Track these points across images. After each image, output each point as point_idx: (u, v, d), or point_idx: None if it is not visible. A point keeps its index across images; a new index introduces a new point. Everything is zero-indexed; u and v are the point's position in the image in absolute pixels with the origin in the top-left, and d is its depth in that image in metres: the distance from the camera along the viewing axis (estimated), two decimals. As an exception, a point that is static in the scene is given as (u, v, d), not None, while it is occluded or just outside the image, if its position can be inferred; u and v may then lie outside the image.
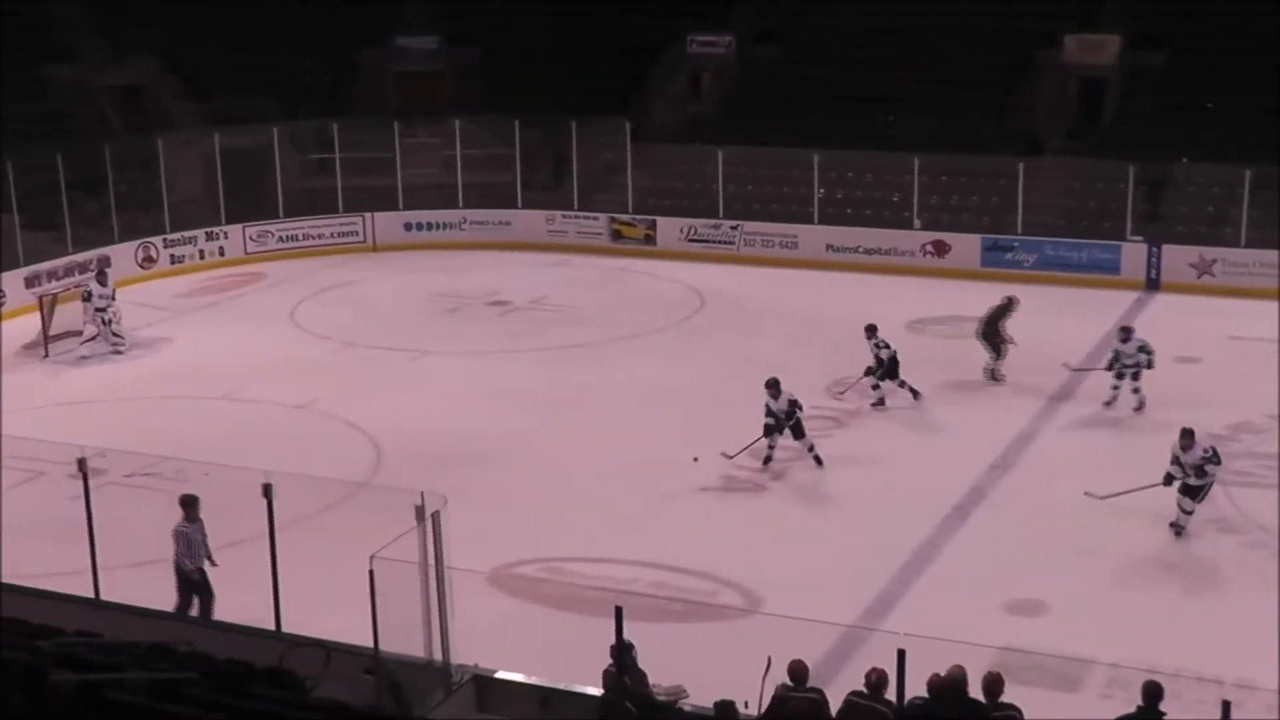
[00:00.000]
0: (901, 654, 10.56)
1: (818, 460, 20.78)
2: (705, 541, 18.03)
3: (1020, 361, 25.82)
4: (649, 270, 34.12)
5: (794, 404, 20.71)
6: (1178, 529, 18.13)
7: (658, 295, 31.73)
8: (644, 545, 17.97)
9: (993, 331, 24.95)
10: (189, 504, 15.28)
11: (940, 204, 35.60)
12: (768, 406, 20.68)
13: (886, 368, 23.43)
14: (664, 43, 42.43)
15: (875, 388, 23.46)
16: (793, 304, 30.52)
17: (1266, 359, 25.82)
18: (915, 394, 23.48)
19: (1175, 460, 18.09)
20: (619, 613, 11.13)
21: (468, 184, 37.77)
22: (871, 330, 23.58)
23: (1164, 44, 37.75)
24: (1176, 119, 35.96)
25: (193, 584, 15.27)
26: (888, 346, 23.48)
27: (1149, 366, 23.24)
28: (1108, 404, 23.52)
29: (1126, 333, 23.67)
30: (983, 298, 29.79)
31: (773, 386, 20.72)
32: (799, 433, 20.78)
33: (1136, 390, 23.30)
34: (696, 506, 19.46)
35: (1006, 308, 25.17)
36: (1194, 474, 17.95)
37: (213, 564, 15.38)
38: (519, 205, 37.79)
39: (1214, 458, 18.00)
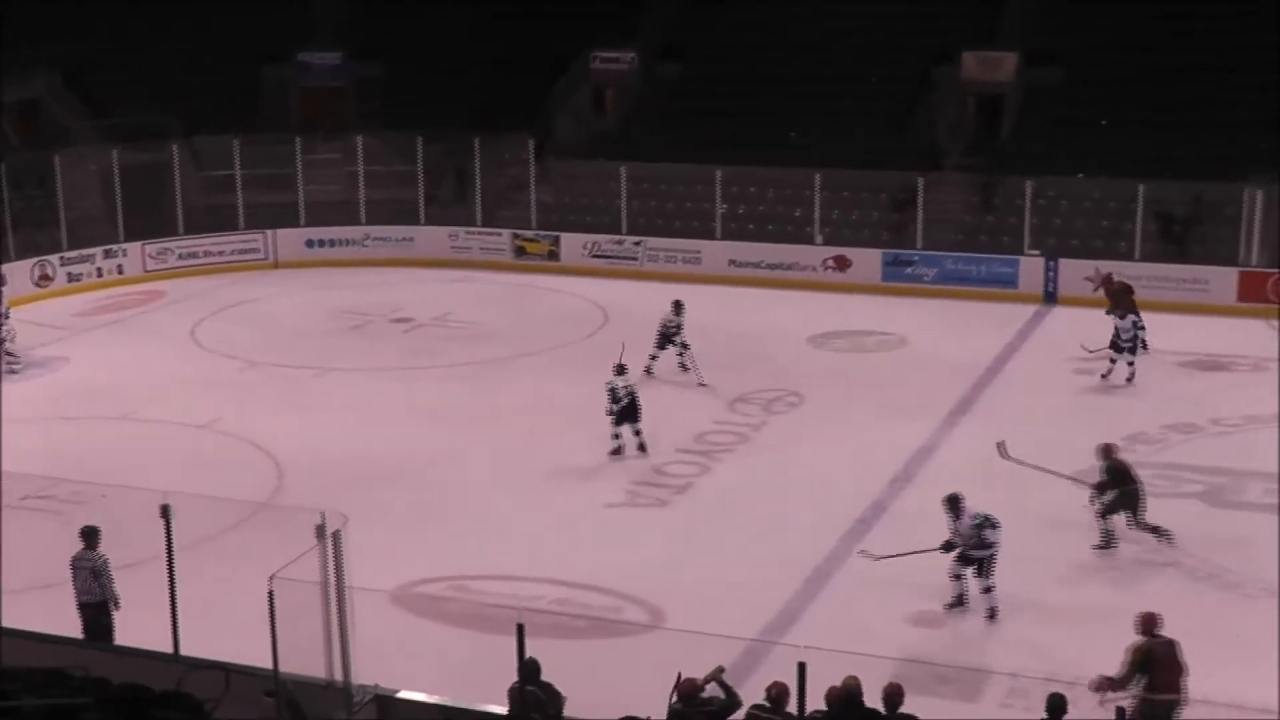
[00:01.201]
0: (802, 667, 10.65)
1: (642, 448, 21.91)
2: (609, 557, 18.05)
3: (922, 376, 26.15)
4: (553, 286, 34.13)
5: (632, 390, 21.98)
6: (953, 602, 16.84)
7: (562, 311, 31.74)
8: (548, 562, 17.97)
9: None
10: (90, 535, 14.93)
11: (841, 219, 35.90)
12: (614, 390, 21.89)
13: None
14: (568, 59, 42.48)
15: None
16: (696, 319, 30.59)
17: (1160, 370, 26.31)
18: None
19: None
20: (521, 630, 11.14)
21: (371, 200, 37.59)
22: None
23: (1060, 61, 38.35)
24: (1073, 135, 36.55)
25: (96, 618, 14.90)
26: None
27: (1144, 346, 25.76)
28: (1105, 376, 25.57)
29: (1123, 311, 25.72)
30: (884, 312, 30.27)
31: (620, 371, 22.09)
32: (634, 416, 21.93)
33: (1130, 364, 25.37)
34: (600, 523, 19.48)
35: None
36: (973, 543, 16.69)
37: (116, 605, 14.90)
38: (422, 222, 37.66)
39: (986, 523, 16.72)
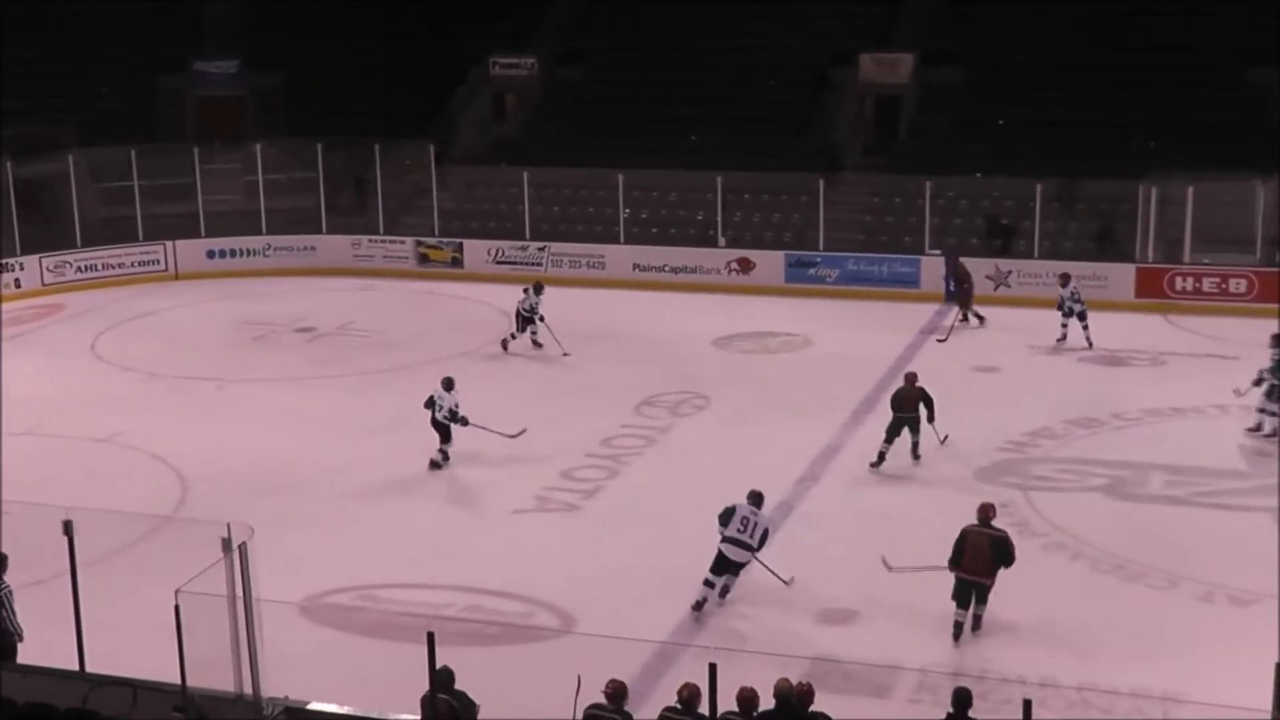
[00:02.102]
0: (713, 668, 10.67)
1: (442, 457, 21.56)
2: (519, 563, 17.99)
3: (826, 376, 26.34)
4: (457, 293, 34.03)
5: (454, 410, 21.50)
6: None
7: (467, 318, 31.65)
8: (458, 569, 17.87)
9: None
10: None
11: (744, 222, 36.10)
12: (432, 400, 21.61)
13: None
14: (467, 65, 42.43)
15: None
16: (602, 323, 30.66)
17: (1062, 367, 26.70)
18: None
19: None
20: (431, 638, 11.07)
21: (271, 210, 37.25)
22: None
23: (956, 61, 38.82)
24: (971, 134, 37.02)
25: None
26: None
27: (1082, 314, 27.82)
28: (1060, 340, 27.74)
29: (1065, 278, 28.24)
30: (788, 313, 30.45)
31: (447, 385, 21.78)
32: (446, 434, 21.55)
33: (1085, 327, 27.61)
34: (509, 528, 19.42)
35: None
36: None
37: (19, 638, 14.50)
38: (324, 230, 37.42)
39: None
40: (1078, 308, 27.98)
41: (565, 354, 27.61)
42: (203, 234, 36.92)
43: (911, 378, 21.77)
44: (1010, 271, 32.39)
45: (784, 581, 17.00)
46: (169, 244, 36.33)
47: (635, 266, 34.99)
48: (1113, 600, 16.88)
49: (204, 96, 42.31)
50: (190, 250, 36.53)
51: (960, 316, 29.80)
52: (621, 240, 35.90)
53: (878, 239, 35.02)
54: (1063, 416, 23.17)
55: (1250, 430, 22.82)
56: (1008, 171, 34.61)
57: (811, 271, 33.97)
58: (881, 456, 21.25)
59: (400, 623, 15.80)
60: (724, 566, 16.69)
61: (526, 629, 16.18)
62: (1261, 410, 22.86)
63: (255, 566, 11.85)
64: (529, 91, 42.73)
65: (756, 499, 17.09)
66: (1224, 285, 31.29)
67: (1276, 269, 31.38)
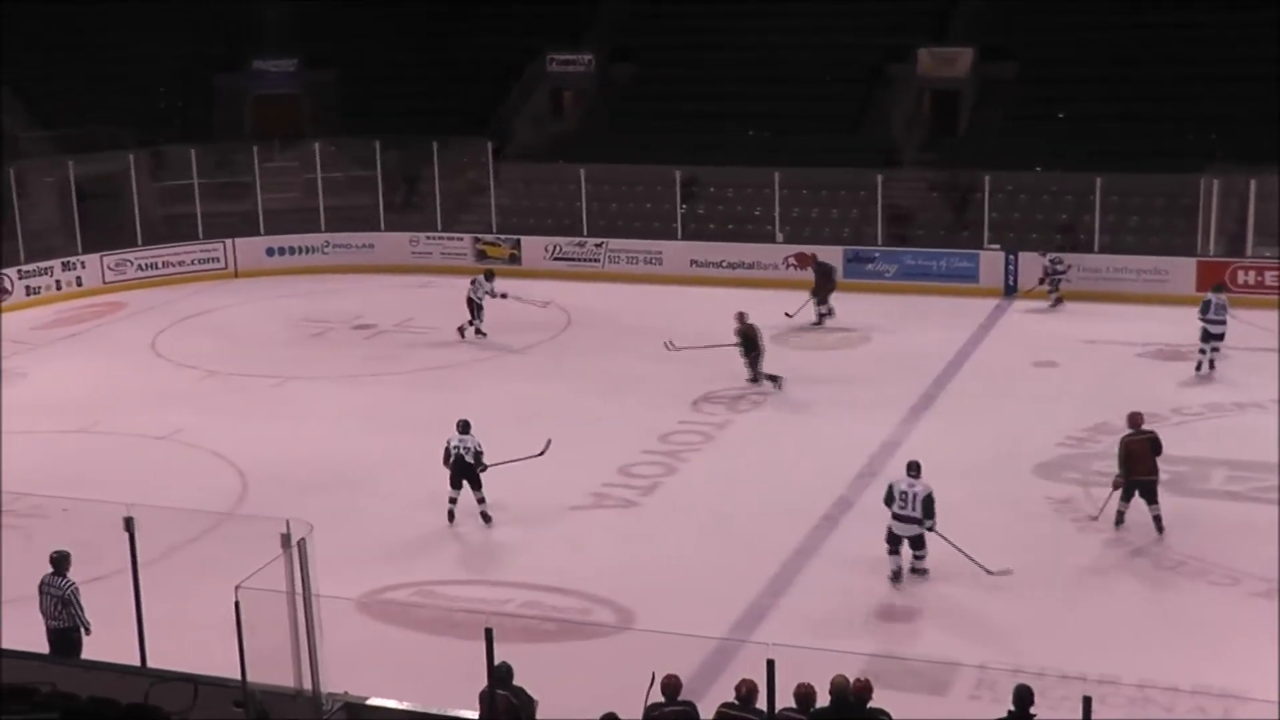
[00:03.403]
0: (771, 664, 10.65)
1: (485, 517, 19.33)
2: (576, 559, 18.03)
3: (885, 371, 26.26)
4: (514, 290, 34.03)
5: (479, 454, 19.19)
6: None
7: (524, 315, 31.66)
8: (515, 566, 17.95)
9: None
10: (59, 562, 14.63)
11: (802, 217, 36.00)
12: (449, 449, 19.23)
13: None
14: (523, 62, 42.50)
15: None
16: (659, 320, 30.63)
17: (1121, 361, 26.48)
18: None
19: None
20: (489, 634, 11.10)
21: (329, 207, 37.48)
22: None
23: (1014, 56, 38.59)
24: (1029, 129, 36.78)
25: (65, 643, 14.67)
26: None
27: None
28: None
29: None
30: (846, 308, 30.34)
31: (463, 429, 19.41)
32: (474, 479, 19.24)
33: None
34: (567, 524, 19.44)
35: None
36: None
37: (86, 631, 14.51)
38: (382, 228, 37.60)
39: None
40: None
41: (546, 303, 30.04)
42: (262, 232, 37.15)
43: (741, 316, 25.29)
44: (1070, 266, 32.12)
45: (989, 572, 16.92)
46: (229, 242, 36.60)
47: (692, 263, 34.96)
48: (1174, 597, 16.75)
49: (262, 95, 42.58)
50: (250, 248, 36.79)
51: (818, 304, 30.26)
52: (679, 236, 35.87)
53: (935, 234, 34.84)
54: (1124, 411, 22.95)
55: (1197, 370, 25.54)
56: (1065, 166, 34.36)
57: (870, 267, 33.84)
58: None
59: (458, 619, 15.88)
60: (895, 542, 16.98)
61: (585, 625, 16.20)
62: (1201, 352, 25.53)
63: (314, 562, 11.93)
64: (585, 88, 42.74)
65: (913, 468, 17.14)
66: (1286, 279, 30.96)
67: (1338, 262, 31.05)
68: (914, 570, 17.05)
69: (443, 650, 14.83)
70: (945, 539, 16.85)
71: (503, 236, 36.81)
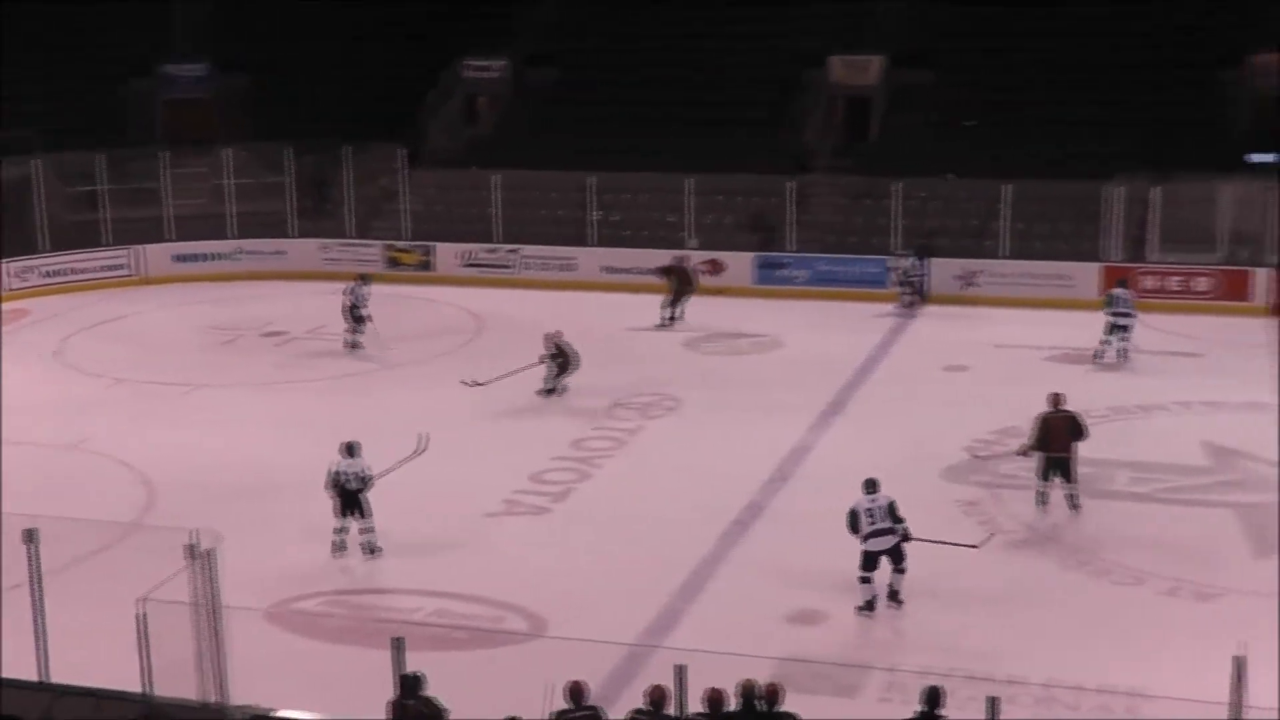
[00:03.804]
0: (681, 670, 10.70)
1: (371, 549, 18.36)
2: (488, 567, 17.99)
3: (796, 376, 26.42)
4: (427, 296, 34.00)
5: (365, 479, 18.34)
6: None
7: (437, 321, 31.63)
8: (426, 574, 17.87)
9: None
10: None
11: (714, 223, 36.13)
12: (335, 475, 18.34)
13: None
14: (437, 68, 42.35)
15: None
16: (572, 326, 30.64)
17: (1029, 365, 26.81)
18: None
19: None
20: (399, 643, 11.08)
21: (240, 213, 37.21)
22: None
23: (925, 64, 38.94)
24: (939, 136, 37.12)
25: None
26: None
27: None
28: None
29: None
30: (758, 314, 30.52)
31: (350, 451, 18.52)
32: (360, 508, 18.31)
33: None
34: (479, 532, 19.40)
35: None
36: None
37: None
38: (293, 234, 37.34)
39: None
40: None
41: (389, 349, 28.61)
42: (170, 238, 36.80)
43: (555, 334, 25.42)
44: (979, 272, 32.50)
45: (974, 546, 17.25)
46: (137, 248, 36.22)
47: (606, 269, 35.00)
48: (1080, 597, 16.96)
49: (172, 100, 42.16)
50: (158, 255, 36.43)
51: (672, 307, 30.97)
52: (592, 243, 35.90)
53: (847, 240, 35.08)
54: (1029, 414, 23.17)
55: (1094, 359, 26.94)
56: (974, 173, 34.74)
57: (782, 273, 34.03)
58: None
59: (368, 628, 15.81)
60: (872, 561, 16.49)
61: (496, 633, 16.18)
62: (1105, 342, 26.93)
63: (223, 573, 11.86)
64: (500, 94, 42.68)
65: (869, 485, 16.83)
66: (1188, 283, 31.51)
67: (1239, 267, 31.63)
68: (891, 597, 16.56)
69: (352, 660, 14.76)
70: (925, 540, 16.80)
71: (415, 243, 36.67)
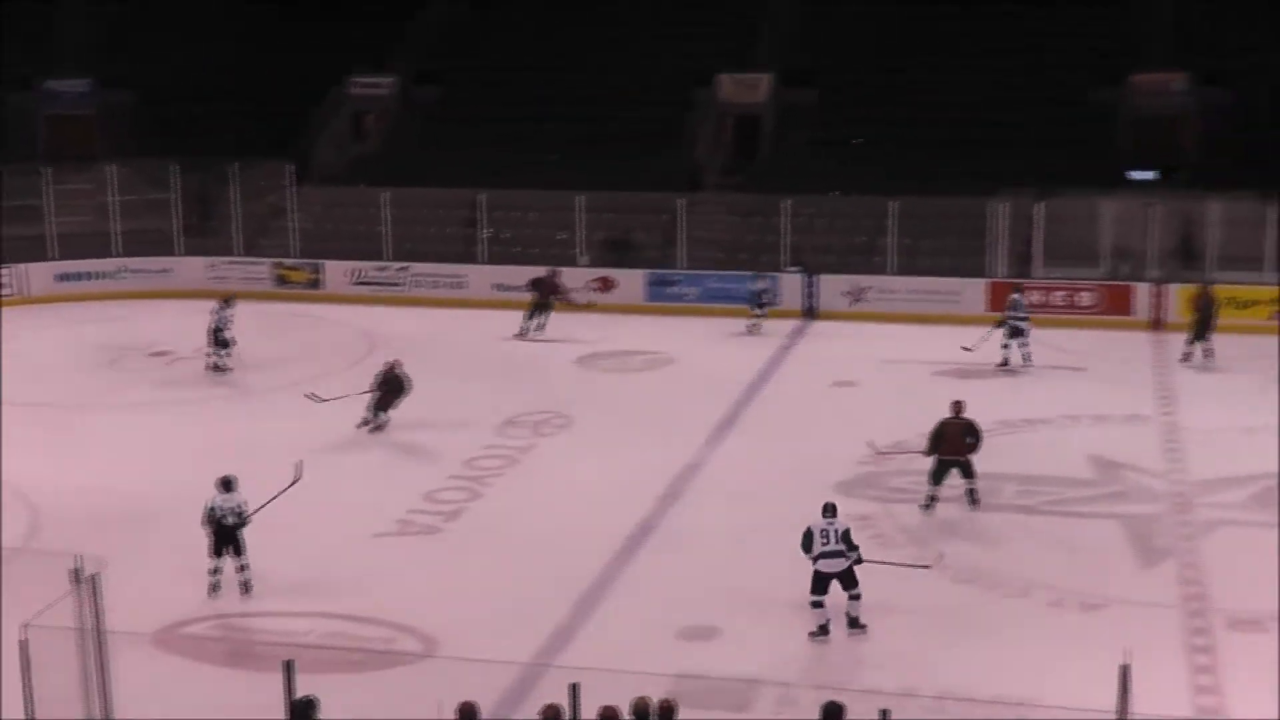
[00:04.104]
0: (574, 688, 10.69)
1: (245, 586, 17.62)
2: (380, 588, 17.83)
3: (688, 393, 26.51)
4: (316, 314, 33.72)
5: (242, 513, 17.61)
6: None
7: (326, 340, 31.37)
8: (318, 595, 17.69)
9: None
10: None
11: (605, 241, 36.18)
12: (212, 510, 17.59)
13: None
14: (325, 84, 42.10)
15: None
16: (463, 344, 30.64)
17: (917, 380, 27.09)
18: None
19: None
20: (289, 666, 10.96)
21: (125, 231, 36.72)
22: None
23: (813, 82, 39.33)
24: (827, 154, 37.50)
25: None
26: None
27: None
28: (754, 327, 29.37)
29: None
30: (650, 331, 30.62)
31: (227, 486, 17.78)
32: (237, 545, 17.55)
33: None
34: (371, 552, 19.24)
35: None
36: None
37: None
38: (179, 252, 36.90)
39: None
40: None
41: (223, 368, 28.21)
42: (53, 257, 36.20)
43: (394, 364, 24.60)
44: (867, 288, 32.84)
45: (926, 567, 17.42)
46: (18, 267, 35.58)
47: (496, 286, 34.92)
48: (969, 609, 17.14)
49: (54, 115, 41.56)
50: (41, 273, 35.84)
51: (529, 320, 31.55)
52: (482, 260, 35.82)
53: (737, 257, 35.29)
54: (919, 429, 23.43)
55: (1000, 366, 27.72)
56: (862, 189, 35.12)
57: (672, 290, 34.15)
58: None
59: (258, 651, 15.65)
60: (823, 583, 16.40)
61: (388, 654, 16.05)
62: (1005, 347, 27.83)
63: (108, 598, 11.68)
64: (388, 111, 42.51)
65: (828, 510, 16.74)
66: (1072, 298, 32.03)
67: (1122, 282, 32.23)
68: (852, 624, 16.44)
69: (242, 685, 14.59)
70: (878, 561, 16.92)
71: (304, 261, 36.39)
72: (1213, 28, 38.67)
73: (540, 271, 32.49)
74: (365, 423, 24.26)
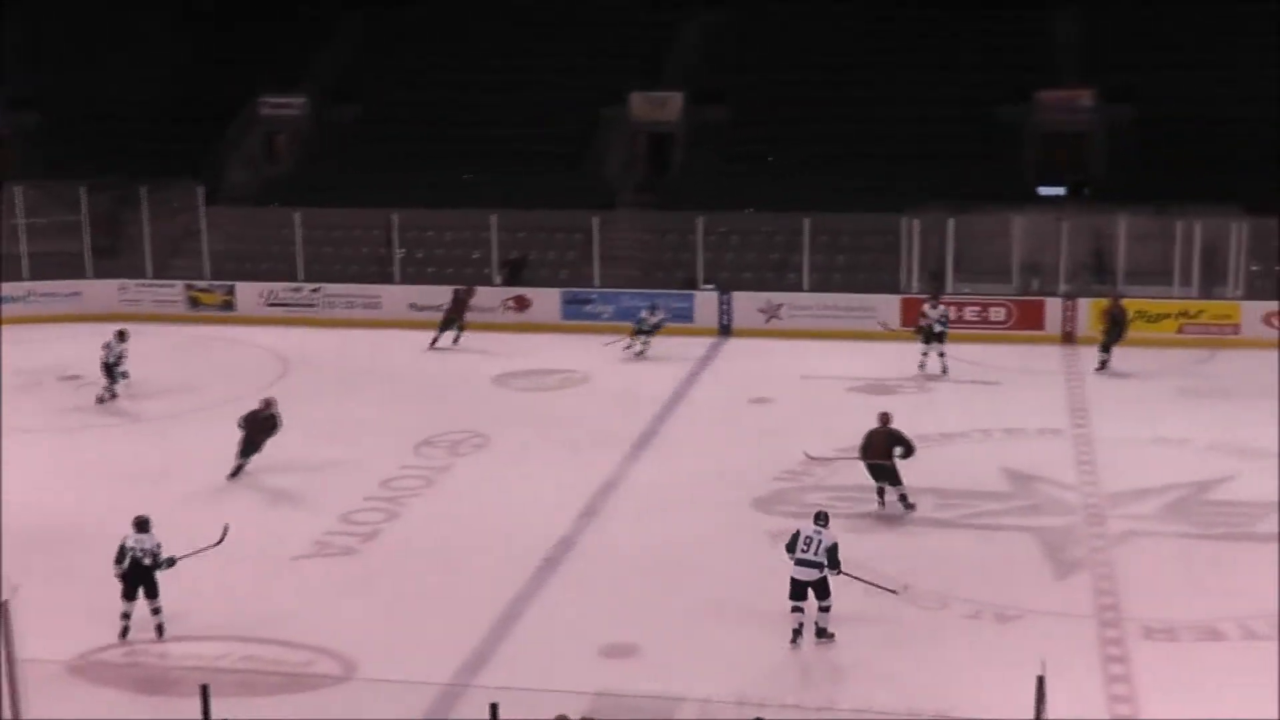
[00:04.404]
0: (494, 708, 10.66)
1: (159, 630, 16.93)
2: (297, 610, 17.71)
3: (604, 411, 26.53)
4: (229, 337, 33.45)
5: (157, 554, 16.91)
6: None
7: (240, 362, 31.12)
8: (234, 619, 17.53)
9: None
10: None
11: (503, 262, 36.12)
12: (122, 549, 16.91)
13: None
14: (236, 104, 41.82)
15: None
16: (379, 364, 30.50)
17: (833, 396, 27.28)
18: None
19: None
20: (205, 691, 10.86)
21: (32, 254, 36.18)
22: None
23: (724, 100, 39.56)
24: (740, 170, 37.72)
25: None
26: None
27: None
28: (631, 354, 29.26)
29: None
30: (566, 350, 30.62)
31: (141, 526, 17.08)
32: (150, 588, 16.89)
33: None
34: (287, 575, 19.10)
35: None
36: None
37: None
38: (89, 275, 36.45)
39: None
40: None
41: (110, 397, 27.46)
42: (-41, 281, 35.68)
43: (268, 403, 23.08)
44: (781, 305, 33.03)
45: (893, 591, 17.29)
46: (-76, 292, 35.02)
47: (411, 306, 34.79)
48: (888, 623, 17.23)
49: (-41, 138, 41.02)
50: (-54, 299, 35.27)
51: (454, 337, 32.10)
52: (397, 280, 35.67)
53: (652, 275, 35.39)
54: (835, 445, 23.63)
55: (919, 370, 28.66)
56: (776, 206, 35.35)
57: (587, 308, 34.18)
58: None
59: (174, 676, 15.50)
60: (800, 591, 16.54)
61: (306, 676, 15.92)
62: (924, 354, 28.74)
63: (21, 625, 11.50)
64: (300, 131, 42.29)
65: (820, 518, 16.96)
66: (985, 313, 32.37)
67: (1033, 297, 32.63)
68: (819, 634, 16.55)
69: (158, 710, 14.46)
70: (854, 576, 16.99)
71: (216, 283, 36.07)
72: (1118, 45, 39.33)
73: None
74: (238, 470, 22.74)
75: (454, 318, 32.03)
